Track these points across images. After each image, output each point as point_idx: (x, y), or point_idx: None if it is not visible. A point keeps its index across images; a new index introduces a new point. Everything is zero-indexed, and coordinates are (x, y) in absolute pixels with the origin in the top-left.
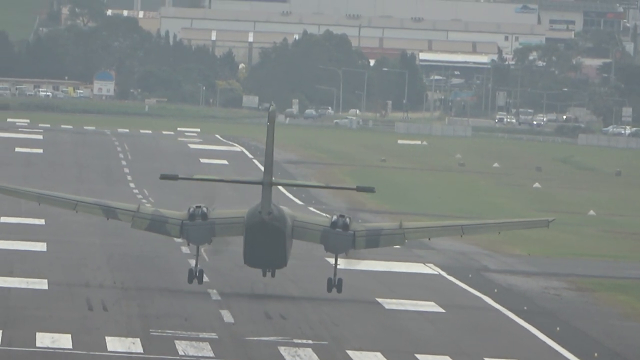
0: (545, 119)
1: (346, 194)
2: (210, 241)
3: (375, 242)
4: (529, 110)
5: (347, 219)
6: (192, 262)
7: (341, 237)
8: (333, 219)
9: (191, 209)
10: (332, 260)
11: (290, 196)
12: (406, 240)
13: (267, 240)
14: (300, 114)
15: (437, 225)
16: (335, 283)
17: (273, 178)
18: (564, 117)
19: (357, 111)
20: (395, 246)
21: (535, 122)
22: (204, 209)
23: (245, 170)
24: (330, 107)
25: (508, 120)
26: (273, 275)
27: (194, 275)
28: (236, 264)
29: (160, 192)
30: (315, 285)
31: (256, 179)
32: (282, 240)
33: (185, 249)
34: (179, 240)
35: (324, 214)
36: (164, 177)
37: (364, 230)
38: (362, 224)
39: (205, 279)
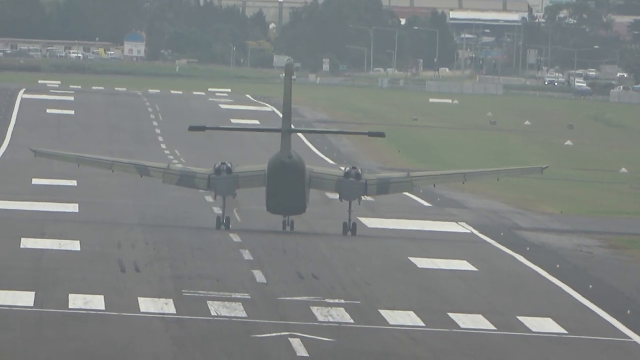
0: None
1: (378, 154)
2: (234, 194)
3: (385, 189)
4: (579, 72)
5: (359, 169)
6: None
7: (354, 185)
8: (346, 170)
9: (217, 165)
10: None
11: (322, 156)
12: (414, 187)
13: (287, 182)
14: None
15: (441, 173)
16: (350, 227)
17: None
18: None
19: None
20: (404, 192)
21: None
22: (228, 165)
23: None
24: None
25: (558, 81)
26: (292, 228)
27: (222, 222)
28: (267, 225)
29: (191, 152)
30: (348, 244)
31: (276, 127)
32: (301, 183)
33: (217, 209)
34: (210, 200)
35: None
36: (192, 128)
37: (375, 178)
38: (373, 174)
39: (238, 239)
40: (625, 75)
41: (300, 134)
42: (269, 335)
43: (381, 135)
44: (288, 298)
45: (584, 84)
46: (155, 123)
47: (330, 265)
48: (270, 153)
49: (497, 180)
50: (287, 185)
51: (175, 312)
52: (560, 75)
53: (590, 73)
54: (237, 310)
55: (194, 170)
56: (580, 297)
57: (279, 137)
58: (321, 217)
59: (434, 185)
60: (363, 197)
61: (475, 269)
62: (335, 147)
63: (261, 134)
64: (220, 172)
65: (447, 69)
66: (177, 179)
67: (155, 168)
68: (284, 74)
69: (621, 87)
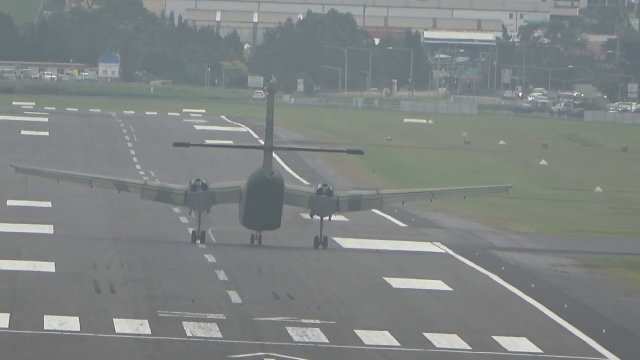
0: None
1: (353, 174)
2: (209, 209)
3: (357, 206)
4: (567, 93)
5: (331, 187)
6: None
7: (327, 202)
8: (319, 187)
9: (192, 182)
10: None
11: (298, 177)
12: (384, 204)
13: (268, 198)
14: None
15: (410, 192)
16: (321, 241)
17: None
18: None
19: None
20: (374, 210)
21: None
22: (204, 181)
23: (252, 151)
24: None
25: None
26: (260, 242)
27: (197, 236)
28: (243, 245)
29: (167, 173)
30: (323, 264)
31: (259, 144)
32: (280, 199)
33: (192, 230)
34: (185, 221)
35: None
36: (177, 144)
37: (347, 195)
38: (344, 191)
39: (213, 260)
40: (582, 95)
41: (275, 156)
42: (244, 355)
43: (360, 153)
44: (263, 319)
45: (529, 104)
46: (130, 144)
47: (306, 286)
48: (245, 173)
49: (464, 199)
50: (267, 202)
51: (150, 333)
52: (530, 96)
53: (537, 94)
54: (213, 331)
55: (171, 186)
56: (555, 317)
57: (254, 158)
58: (291, 232)
59: (403, 203)
60: (333, 216)
61: (451, 289)
62: (311, 168)
63: (236, 155)
64: (197, 189)
65: (443, 89)
66: (155, 195)
67: (134, 184)
68: (268, 93)
69: (562, 104)
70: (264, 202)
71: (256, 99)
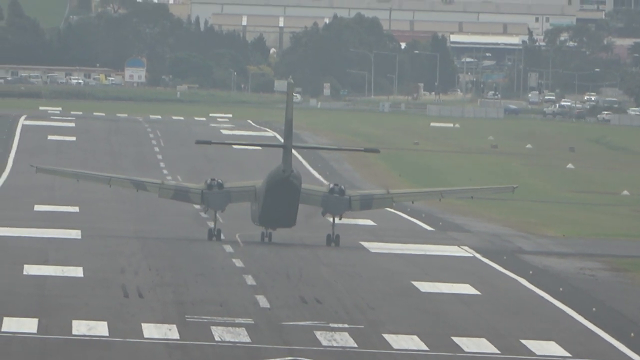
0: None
1: (379, 177)
2: (224, 208)
3: (368, 204)
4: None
5: (342, 187)
6: (232, 244)
7: (339, 201)
8: (331, 186)
9: (208, 181)
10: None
11: (322, 179)
12: (394, 203)
13: (286, 197)
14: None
15: (419, 191)
16: (333, 238)
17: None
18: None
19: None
20: (386, 208)
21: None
22: (219, 181)
23: (277, 153)
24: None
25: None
26: (270, 239)
27: (213, 234)
28: (270, 250)
29: (193, 178)
30: (351, 268)
31: (279, 143)
32: (297, 198)
33: (222, 236)
34: (211, 225)
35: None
36: (199, 142)
37: (358, 194)
38: (355, 190)
39: (240, 264)
40: (592, 97)
41: (302, 159)
42: None
43: (376, 151)
44: (292, 323)
45: (514, 105)
46: (157, 149)
47: (334, 290)
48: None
49: (471, 198)
50: (286, 200)
51: (179, 337)
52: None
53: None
54: (241, 336)
55: (188, 185)
56: (583, 320)
57: (280, 161)
58: (303, 229)
59: (412, 202)
60: (357, 219)
61: (479, 293)
62: (337, 172)
63: (261, 158)
64: (212, 188)
65: (458, 91)
66: (172, 194)
67: (151, 183)
68: (287, 92)
69: (557, 105)
70: (282, 199)
71: None
